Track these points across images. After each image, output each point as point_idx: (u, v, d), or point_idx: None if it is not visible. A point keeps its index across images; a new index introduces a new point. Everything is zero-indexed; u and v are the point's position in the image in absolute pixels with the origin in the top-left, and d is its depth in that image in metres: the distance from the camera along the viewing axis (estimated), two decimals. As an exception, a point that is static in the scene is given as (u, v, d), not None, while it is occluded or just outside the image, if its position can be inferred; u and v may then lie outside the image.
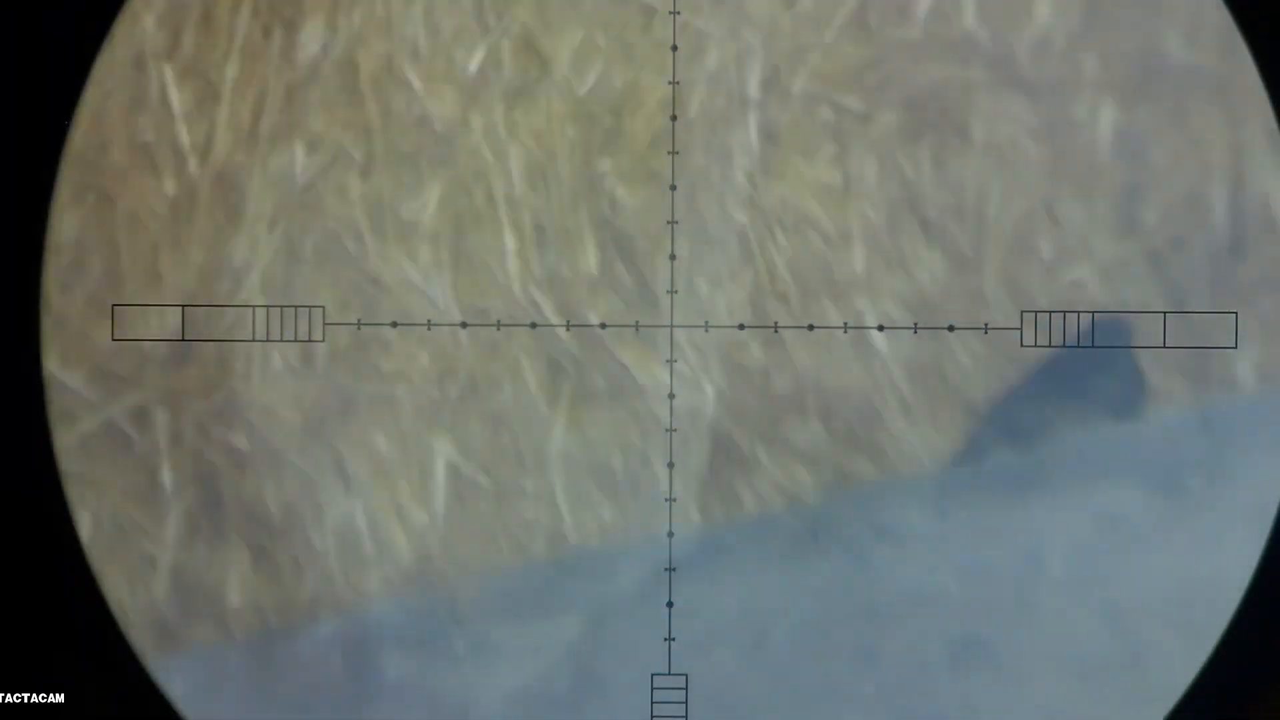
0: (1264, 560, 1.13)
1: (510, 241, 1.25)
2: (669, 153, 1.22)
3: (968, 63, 1.24)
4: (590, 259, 1.25)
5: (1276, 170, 1.20)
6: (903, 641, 1.22)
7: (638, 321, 1.24)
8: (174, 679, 1.20)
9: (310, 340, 1.24)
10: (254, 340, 1.24)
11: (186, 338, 1.23)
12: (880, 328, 1.21)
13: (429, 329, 1.25)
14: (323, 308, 1.24)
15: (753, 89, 1.24)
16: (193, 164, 1.25)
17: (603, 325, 1.22)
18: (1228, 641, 1.12)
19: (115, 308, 1.23)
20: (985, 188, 1.24)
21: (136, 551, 1.24)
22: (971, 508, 1.22)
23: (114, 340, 1.23)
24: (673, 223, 1.23)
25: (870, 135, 1.24)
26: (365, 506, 1.25)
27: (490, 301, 1.25)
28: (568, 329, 1.24)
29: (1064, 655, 1.21)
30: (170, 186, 1.25)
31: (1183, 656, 1.17)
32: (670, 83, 1.23)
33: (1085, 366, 1.21)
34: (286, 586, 1.24)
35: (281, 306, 1.23)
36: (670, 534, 1.23)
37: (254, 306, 1.24)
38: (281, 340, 1.24)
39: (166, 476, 1.24)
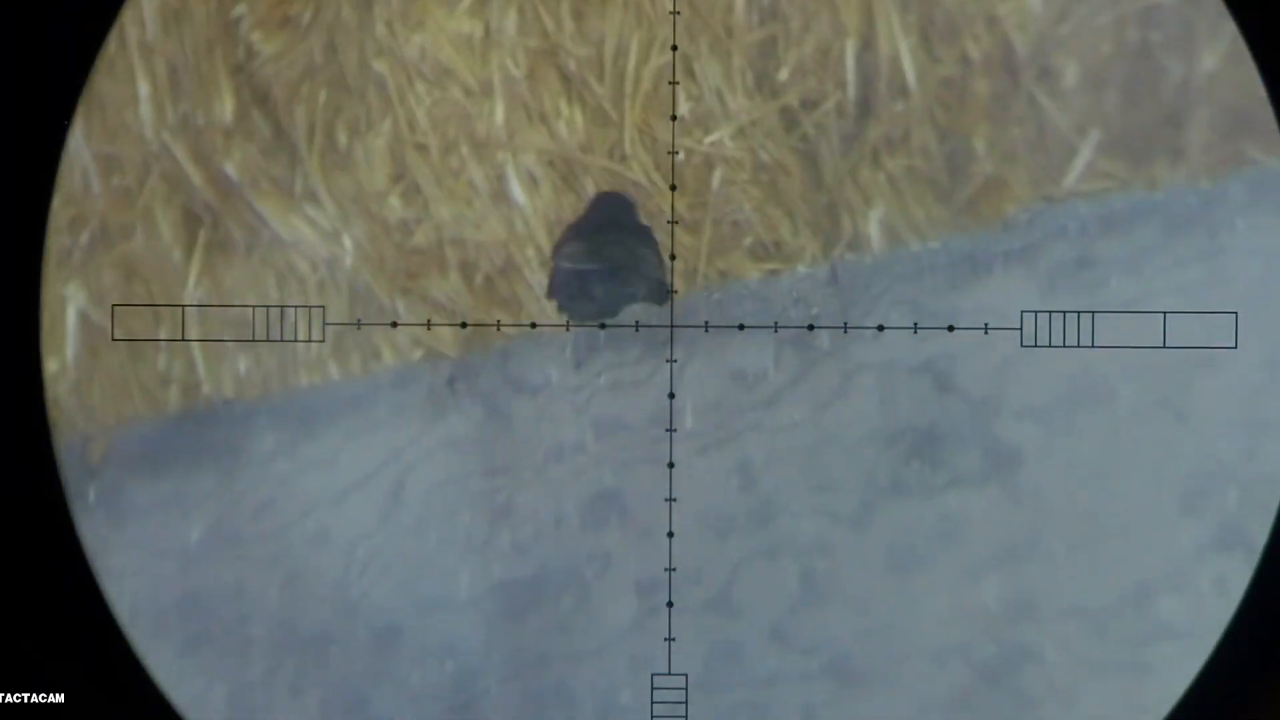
0: (1264, 560, 1.13)
1: (144, 89, 1.23)
2: None
3: (607, -85, 1.23)
4: (226, 106, 1.23)
5: (903, 30, 1.21)
6: (539, 497, 1.23)
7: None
8: None
9: (310, 340, 1.21)
10: (254, 340, 1.21)
11: (186, 338, 1.20)
12: (880, 328, 1.19)
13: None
14: (323, 308, 1.21)
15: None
16: None
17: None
18: (1228, 642, 1.12)
19: (115, 308, 1.20)
20: (624, 42, 1.23)
21: None
22: (609, 365, 1.23)
23: (114, 340, 1.20)
24: (672, 222, 1.21)
25: (513, -13, 1.23)
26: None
27: (121, 148, 1.23)
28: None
29: (700, 509, 1.23)
30: None
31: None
32: None
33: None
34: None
35: (282, 307, 1.21)
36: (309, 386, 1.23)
37: (254, 306, 1.21)
38: (282, 340, 1.21)
39: None
